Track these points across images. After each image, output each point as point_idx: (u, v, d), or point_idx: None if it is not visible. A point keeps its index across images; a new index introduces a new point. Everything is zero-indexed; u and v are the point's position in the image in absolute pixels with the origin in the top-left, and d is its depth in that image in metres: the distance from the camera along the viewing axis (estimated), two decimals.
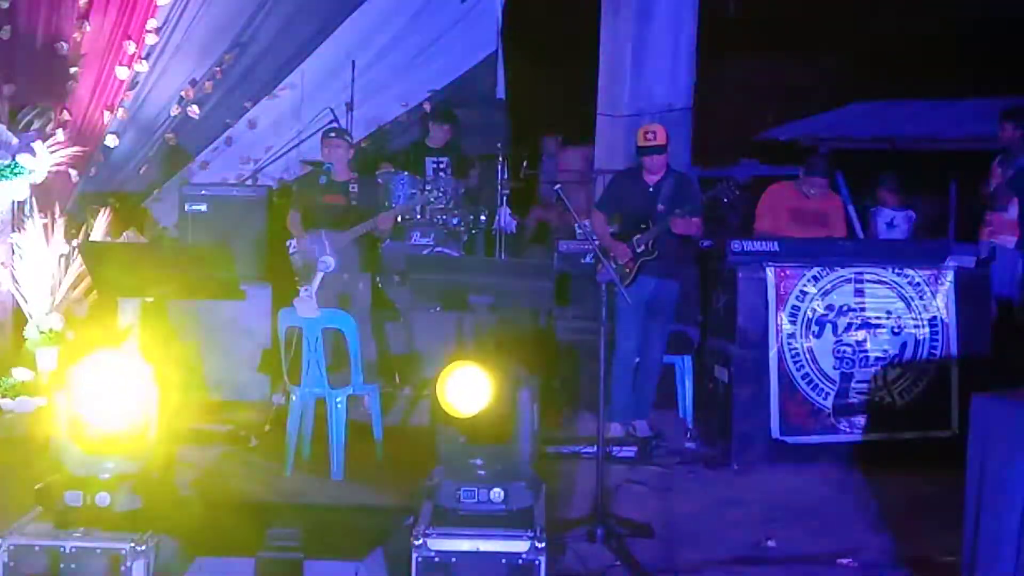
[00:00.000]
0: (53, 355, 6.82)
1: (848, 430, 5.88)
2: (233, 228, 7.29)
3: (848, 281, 5.90)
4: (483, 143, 8.67)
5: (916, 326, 5.94)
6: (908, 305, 5.94)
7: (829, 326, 5.87)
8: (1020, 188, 6.75)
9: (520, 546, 3.62)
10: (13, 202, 7.04)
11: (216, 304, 6.48)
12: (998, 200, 6.88)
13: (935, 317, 5.96)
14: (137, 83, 8.01)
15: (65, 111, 7.55)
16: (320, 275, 5.44)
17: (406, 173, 7.91)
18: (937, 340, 5.96)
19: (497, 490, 3.79)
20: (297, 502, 5.14)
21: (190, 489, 5.08)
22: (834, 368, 5.86)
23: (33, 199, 7.11)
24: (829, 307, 5.87)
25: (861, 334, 5.89)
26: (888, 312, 5.91)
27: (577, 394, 6.92)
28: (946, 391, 5.93)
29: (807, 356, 5.84)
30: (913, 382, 5.93)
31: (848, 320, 5.88)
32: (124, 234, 7.57)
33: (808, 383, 5.83)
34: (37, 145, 7.04)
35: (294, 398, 5.60)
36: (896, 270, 5.96)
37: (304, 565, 3.73)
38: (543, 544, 3.61)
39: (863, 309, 5.89)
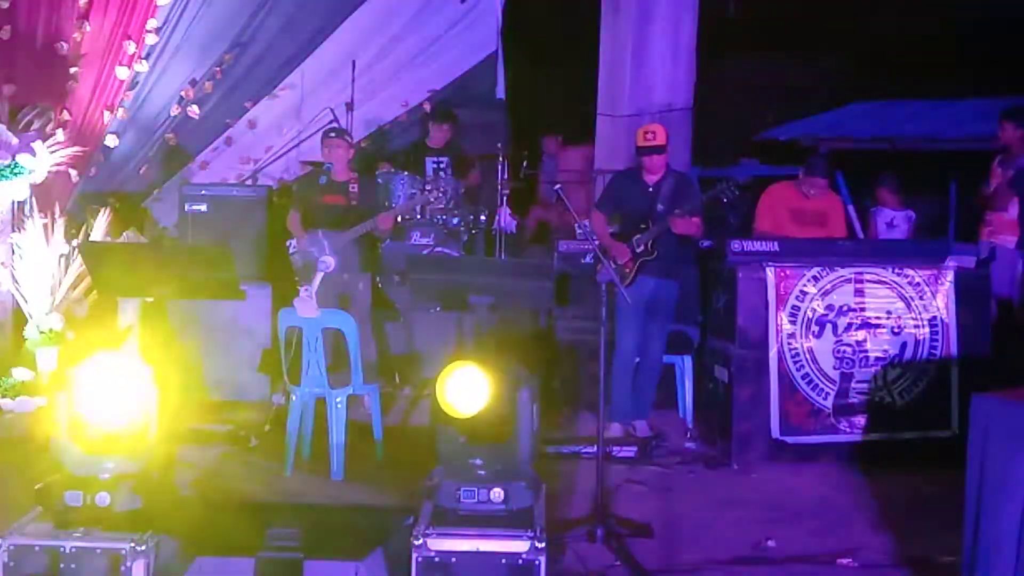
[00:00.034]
0: (53, 355, 6.81)
1: (848, 430, 5.88)
2: (233, 228, 7.29)
3: (848, 281, 5.90)
4: (483, 143, 8.67)
5: (916, 326, 5.94)
6: (908, 305, 5.94)
7: (829, 326, 5.87)
8: (1020, 188, 6.75)
9: (520, 546, 3.61)
10: (13, 202, 7.04)
11: (216, 304, 6.48)
12: (998, 200, 6.88)
13: (935, 317, 5.96)
14: (137, 83, 8.02)
15: (65, 111, 7.55)
16: (320, 275, 5.44)
17: (406, 173, 7.91)
18: (937, 340, 5.96)
19: (497, 490, 3.79)
20: (297, 502, 5.14)
21: (190, 489, 5.08)
22: (834, 368, 5.86)
23: (33, 199, 7.11)
24: (829, 307, 5.87)
25: (861, 334, 5.89)
26: (888, 312, 5.91)
27: (577, 394, 6.93)
28: (946, 391, 5.93)
29: (807, 356, 5.84)
30: (913, 382, 5.93)
31: (848, 320, 5.88)
32: (124, 234, 7.57)
33: (808, 383, 5.84)
34: (37, 145, 7.04)
35: (294, 398, 5.60)
36: (896, 270, 5.96)
37: (304, 565, 3.73)
38: (543, 544, 3.61)
39: (863, 309, 5.89)
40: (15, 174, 6.90)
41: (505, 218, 8.22)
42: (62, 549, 3.53)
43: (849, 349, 5.88)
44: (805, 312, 5.85)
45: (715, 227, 7.27)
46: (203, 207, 7.42)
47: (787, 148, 11.83)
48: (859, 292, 5.90)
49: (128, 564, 3.51)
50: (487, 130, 8.97)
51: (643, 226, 6.17)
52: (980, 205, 7.13)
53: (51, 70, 7.50)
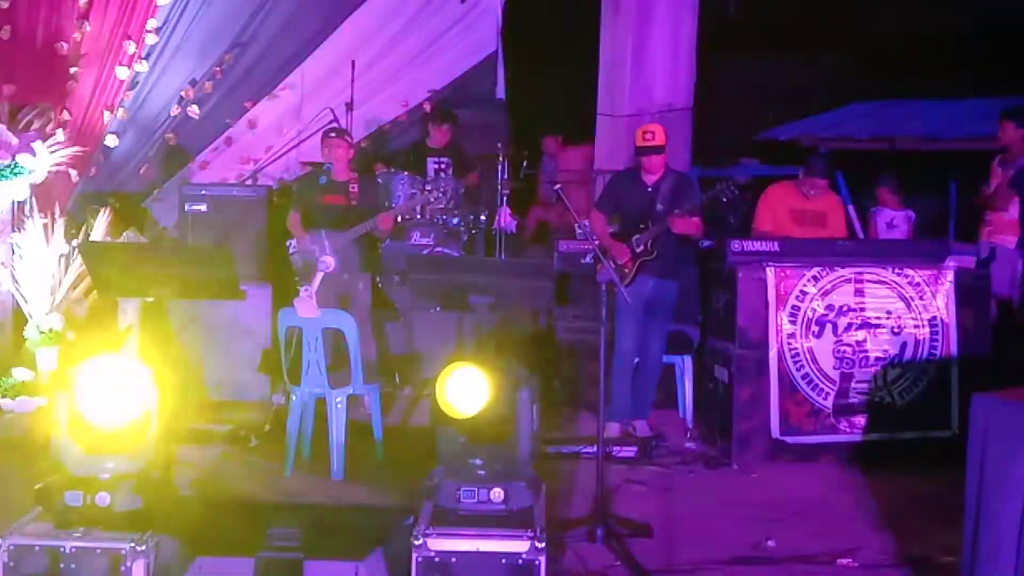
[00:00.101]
0: (53, 355, 6.81)
1: (848, 430, 5.88)
2: (233, 228, 7.29)
3: (848, 281, 5.90)
4: (483, 143, 8.67)
5: (916, 326, 5.94)
6: (908, 305, 5.94)
7: (829, 326, 5.87)
8: (1020, 188, 6.75)
9: (520, 546, 3.61)
10: (13, 202, 7.04)
11: (216, 304, 6.48)
12: (998, 200, 6.88)
13: (935, 317, 5.96)
14: (137, 83, 8.02)
15: (65, 111, 7.55)
16: (320, 275, 5.44)
17: (406, 173, 7.91)
18: (937, 340, 5.96)
19: (497, 490, 3.79)
20: (297, 502, 5.14)
21: (190, 489, 5.09)
22: (834, 368, 5.86)
23: (33, 199, 7.11)
24: (829, 307, 5.87)
25: (861, 334, 5.89)
26: (888, 312, 5.91)
27: (577, 394, 6.93)
28: (946, 391, 5.94)
29: (807, 356, 5.84)
30: (913, 382, 5.93)
31: (848, 320, 5.88)
32: (124, 234, 7.56)
33: (808, 383, 5.84)
34: (37, 145, 7.04)
35: (294, 398, 5.60)
36: (896, 270, 5.96)
37: (304, 565, 3.73)
38: (543, 544, 3.61)
39: (863, 309, 5.89)
40: (15, 174, 6.91)
41: (505, 218, 8.22)
42: (62, 549, 3.53)
43: (849, 349, 5.88)
44: (805, 312, 5.85)
45: (715, 227, 7.27)
46: (203, 207, 7.42)
47: (787, 148, 11.83)
48: (859, 292, 5.90)
49: (128, 564, 3.51)
50: (487, 130, 8.97)
51: (642, 226, 6.17)
52: (980, 205, 7.13)
53: (51, 70, 7.50)
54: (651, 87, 8.53)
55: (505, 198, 8.29)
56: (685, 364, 6.65)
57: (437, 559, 3.62)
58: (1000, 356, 6.03)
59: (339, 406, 5.48)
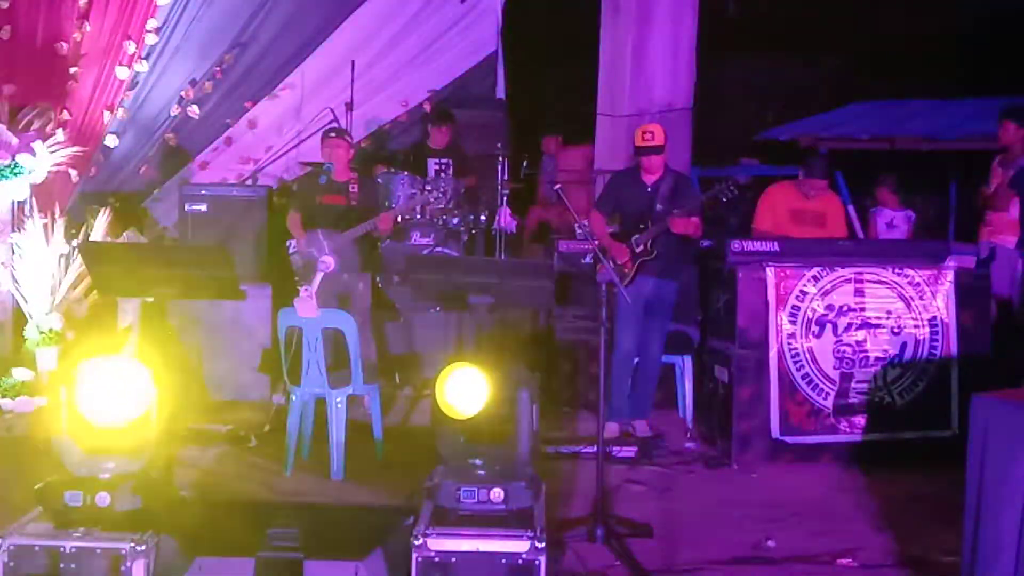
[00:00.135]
0: (53, 355, 6.82)
1: (848, 430, 5.88)
2: (233, 228, 7.29)
3: (848, 281, 5.90)
4: (483, 143, 8.67)
5: (916, 326, 5.94)
6: (908, 305, 5.94)
7: (829, 326, 5.87)
8: (1020, 188, 6.75)
9: (520, 546, 3.61)
10: (13, 202, 7.04)
11: (216, 304, 6.48)
12: (998, 200, 6.88)
13: (935, 317, 5.96)
14: (137, 83, 8.02)
15: (65, 111, 7.56)
16: (320, 275, 5.44)
17: (406, 173, 7.91)
18: (937, 340, 5.96)
19: (497, 490, 3.79)
20: (297, 502, 5.14)
21: (190, 489, 5.08)
22: (834, 368, 5.86)
23: (33, 199, 7.11)
24: (829, 307, 5.87)
25: (861, 334, 5.89)
26: (888, 312, 5.91)
27: (577, 394, 6.93)
28: (946, 391, 5.93)
29: (807, 356, 5.84)
30: (913, 382, 5.93)
31: (848, 320, 5.88)
32: (124, 234, 7.57)
33: (808, 383, 5.83)
34: (37, 145, 7.05)
35: (294, 398, 5.60)
36: (896, 270, 5.96)
37: (304, 565, 3.73)
38: (543, 544, 3.61)
39: (863, 309, 5.89)
40: (15, 174, 6.91)
41: (505, 218, 8.22)
42: (62, 549, 3.53)
43: (849, 349, 5.88)
44: (805, 312, 5.84)
45: (715, 227, 7.27)
46: (203, 207, 7.42)
47: (787, 148, 11.83)
48: (859, 292, 5.90)
49: (128, 564, 3.50)
50: (487, 130, 8.97)
51: (642, 226, 6.16)
52: (980, 205, 7.13)
53: (51, 70, 7.51)
54: (651, 87, 8.54)
55: (505, 198, 8.29)
56: (685, 364, 6.64)
57: (437, 559, 3.62)
58: (1000, 356, 6.03)
59: (339, 406, 5.48)
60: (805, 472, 5.70)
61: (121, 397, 3.63)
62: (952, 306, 5.97)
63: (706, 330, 6.54)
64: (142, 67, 7.93)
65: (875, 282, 5.92)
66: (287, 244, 6.99)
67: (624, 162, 7.75)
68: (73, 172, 7.50)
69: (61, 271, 7.05)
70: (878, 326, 5.89)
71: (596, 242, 5.97)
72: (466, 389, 3.79)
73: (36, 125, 7.31)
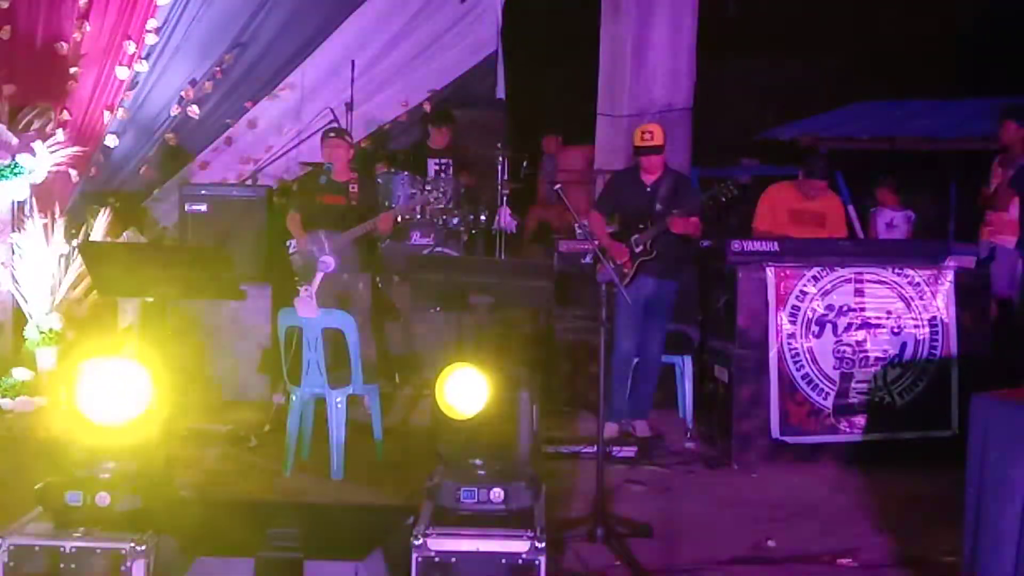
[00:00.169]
0: (53, 355, 6.82)
1: (848, 430, 5.88)
2: (233, 228, 7.29)
3: (848, 281, 5.90)
4: (483, 143, 8.67)
5: (916, 326, 5.94)
6: (908, 305, 5.94)
7: (829, 326, 5.86)
8: (1021, 188, 6.75)
9: (520, 546, 3.61)
10: (13, 202, 7.04)
11: (216, 304, 6.48)
12: (998, 200, 6.88)
13: (935, 317, 5.96)
14: (137, 83, 8.02)
15: (65, 111, 7.56)
16: (320, 275, 5.44)
17: (406, 173, 7.91)
18: (937, 340, 5.96)
19: (497, 490, 3.79)
20: (297, 502, 5.14)
21: (190, 489, 5.08)
22: (834, 368, 5.86)
23: (33, 199, 7.11)
24: (829, 307, 5.87)
25: (861, 334, 5.89)
26: (888, 312, 5.91)
27: (577, 394, 6.93)
28: (946, 391, 5.93)
29: (807, 356, 5.84)
30: (913, 382, 5.93)
31: (848, 320, 5.88)
32: (124, 234, 7.57)
33: (808, 383, 5.83)
34: (37, 145, 7.05)
35: (294, 398, 5.60)
36: (896, 270, 5.96)
37: (304, 565, 3.73)
38: (543, 544, 3.61)
39: (863, 309, 5.89)
40: (15, 174, 6.91)
41: (505, 218, 8.22)
42: (62, 549, 3.53)
43: (849, 349, 5.88)
44: (805, 312, 5.84)
45: (715, 227, 7.27)
46: (203, 207, 7.42)
47: (787, 148, 11.83)
48: (859, 292, 5.89)
49: (128, 564, 3.50)
50: (487, 130, 8.98)
51: (641, 226, 6.17)
52: (980, 205, 7.13)
53: (51, 70, 7.50)
54: (651, 87, 8.53)
55: (505, 198, 8.29)
56: (685, 364, 6.64)
57: (437, 559, 3.62)
58: (1000, 356, 6.03)
59: (339, 406, 5.48)
60: (805, 472, 5.70)
61: (121, 397, 3.63)
62: (952, 306, 5.97)
63: (706, 330, 6.54)
64: (142, 67, 7.93)
65: (875, 282, 5.92)
66: (287, 244, 6.99)
67: (624, 162, 7.75)
68: (73, 172, 7.50)
69: (61, 271, 7.05)
70: (878, 326, 5.89)
71: (596, 242, 5.97)
72: (466, 389, 3.79)
73: (36, 125, 7.31)
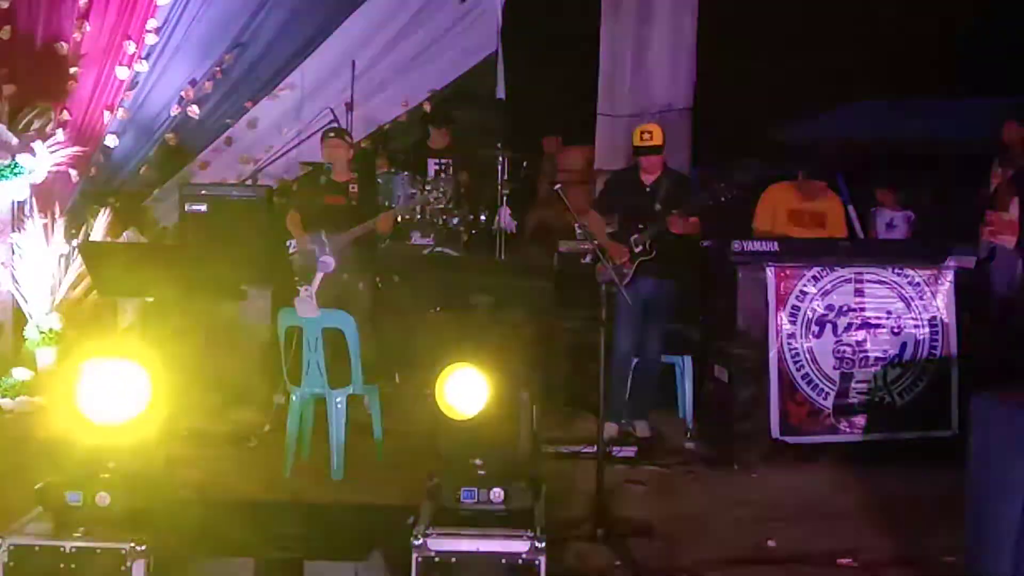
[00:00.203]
0: (53, 355, 6.82)
1: (848, 430, 5.88)
2: (233, 228, 7.29)
3: (848, 281, 5.90)
4: (483, 143, 8.67)
5: (916, 326, 5.94)
6: (908, 305, 5.94)
7: (829, 326, 5.86)
8: (1021, 188, 6.75)
9: (520, 546, 3.61)
10: (13, 202, 7.04)
11: (216, 304, 6.47)
12: (998, 200, 6.88)
13: (935, 317, 5.96)
14: (137, 83, 8.02)
15: (65, 111, 7.55)
16: (320, 275, 5.44)
17: (406, 173, 7.91)
18: (937, 340, 5.96)
19: (497, 490, 3.79)
20: (297, 502, 5.14)
21: (190, 489, 5.08)
22: (834, 368, 5.86)
23: (33, 199, 7.11)
24: (829, 307, 5.87)
25: (861, 334, 5.89)
26: (888, 312, 5.91)
27: (577, 394, 6.92)
28: (946, 391, 5.93)
29: (807, 356, 5.84)
30: (913, 382, 5.93)
31: (848, 320, 5.88)
32: (124, 234, 7.57)
33: (808, 383, 5.83)
34: (37, 145, 7.05)
35: (294, 398, 5.60)
36: (896, 270, 5.96)
37: (304, 565, 3.73)
38: (543, 544, 3.61)
39: (863, 309, 5.89)
40: (15, 174, 6.91)
41: (505, 218, 8.22)
42: (62, 549, 3.53)
43: (849, 349, 5.88)
44: (805, 312, 5.84)
45: (715, 227, 7.26)
46: (203, 207, 7.42)
47: (787, 148, 11.81)
48: (859, 292, 5.90)
49: (128, 564, 3.51)
50: (487, 130, 8.97)
51: (641, 226, 6.17)
52: (980, 205, 7.13)
53: (51, 70, 7.50)
54: (651, 87, 8.53)
55: (505, 198, 8.29)
56: (685, 364, 6.64)
57: (437, 559, 3.62)
58: (1000, 356, 6.03)
59: (339, 406, 5.48)
60: (805, 472, 5.70)
61: (121, 397, 3.63)
62: (952, 306, 5.97)
63: (706, 330, 6.54)
64: (142, 67, 7.92)
65: (875, 282, 5.92)
66: (287, 244, 6.98)
67: (624, 162, 7.75)
68: (73, 172, 7.50)
69: (61, 271, 7.05)
70: (878, 326, 5.89)
71: (595, 242, 5.97)
72: (466, 389, 3.79)
73: (36, 125, 7.30)
